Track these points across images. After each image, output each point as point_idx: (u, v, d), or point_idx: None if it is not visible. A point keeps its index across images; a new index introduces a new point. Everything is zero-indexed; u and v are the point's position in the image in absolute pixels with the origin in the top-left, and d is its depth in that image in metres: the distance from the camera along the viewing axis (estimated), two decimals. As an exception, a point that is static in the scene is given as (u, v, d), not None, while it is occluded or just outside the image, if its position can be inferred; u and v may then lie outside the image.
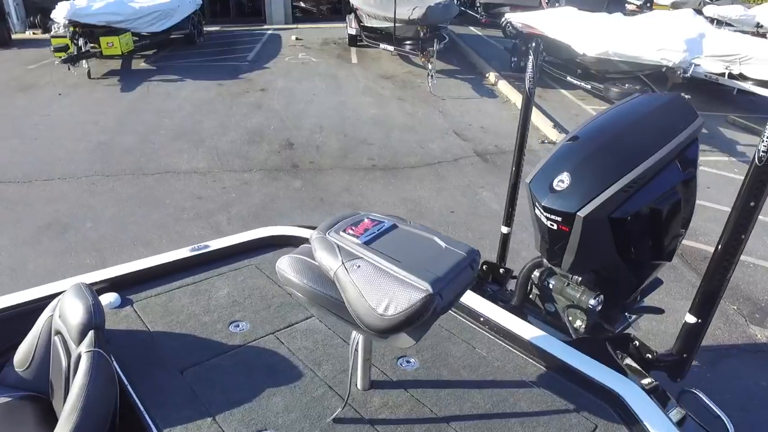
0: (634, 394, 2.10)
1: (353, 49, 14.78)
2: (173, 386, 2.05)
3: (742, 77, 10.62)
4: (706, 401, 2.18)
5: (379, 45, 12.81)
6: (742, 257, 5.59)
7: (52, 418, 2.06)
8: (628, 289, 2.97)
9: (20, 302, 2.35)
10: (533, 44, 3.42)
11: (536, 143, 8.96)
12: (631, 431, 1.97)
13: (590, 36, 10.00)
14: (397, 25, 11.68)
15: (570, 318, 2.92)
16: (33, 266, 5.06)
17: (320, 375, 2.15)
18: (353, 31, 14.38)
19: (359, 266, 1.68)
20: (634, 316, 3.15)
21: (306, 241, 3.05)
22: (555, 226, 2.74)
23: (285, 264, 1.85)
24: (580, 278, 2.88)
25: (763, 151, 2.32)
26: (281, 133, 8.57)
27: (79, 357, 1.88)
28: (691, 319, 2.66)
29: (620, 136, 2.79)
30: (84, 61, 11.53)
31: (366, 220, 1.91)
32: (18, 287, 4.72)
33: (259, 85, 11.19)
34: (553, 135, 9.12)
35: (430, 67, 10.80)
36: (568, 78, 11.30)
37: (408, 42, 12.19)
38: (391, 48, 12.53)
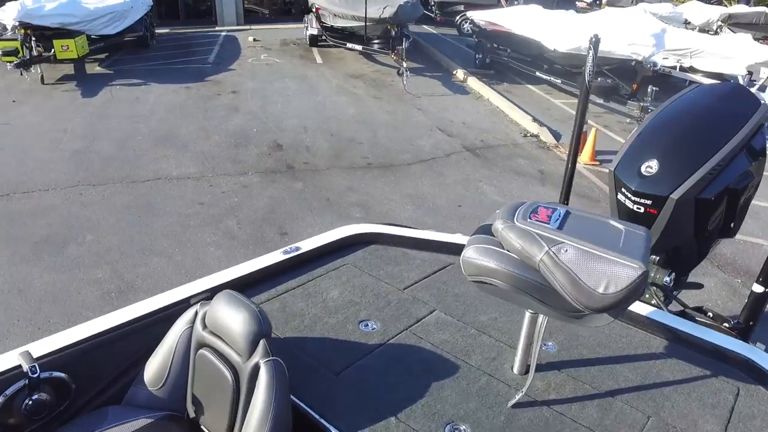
0: (761, 357, 2.23)
1: (315, 50, 14.64)
2: (336, 389, 1.99)
3: (692, 70, 11.24)
4: None
5: (346, 44, 12.74)
6: (748, 239, 5.89)
7: None
8: (690, 265, 3.14)
9: (129, 319, 2.20)
10: (593, 38, 3.50)
11: (519, 137, 9.16)
12: None
13: (561, 32, 10.32)
14: (367, 24, 11.65)
15: (647, 295, 3.04)
16: (40, 284, 4.75)
17: (474, 364, 2.14)
18: (315, 32, 14.22)
19: (566, 250, 1.69)
20: (675, 291, 3.30)
21: (389, 237, 3.03)
22: (642, 210, 2.84)
23: (475, 254, 1.83)
24: (657, 258, 3.01)
25: None
26: (266, 135, 8.39)
27: (255, 367, 1.79)
28: (758, 288, 2.87)
29: (697, 123, 2.91)
30: (37, 65, 10.89)
31: (541, 207, 1.91)
32: (29, 307, 4.43)
33: (229, 87, 10.91)
34: (533, 128, 9.35)
35: (404, 65, 10.83)
36: (537, 73, 11.61)
37: (377, 41, 12.19)
38: (359, 47, 12.49)
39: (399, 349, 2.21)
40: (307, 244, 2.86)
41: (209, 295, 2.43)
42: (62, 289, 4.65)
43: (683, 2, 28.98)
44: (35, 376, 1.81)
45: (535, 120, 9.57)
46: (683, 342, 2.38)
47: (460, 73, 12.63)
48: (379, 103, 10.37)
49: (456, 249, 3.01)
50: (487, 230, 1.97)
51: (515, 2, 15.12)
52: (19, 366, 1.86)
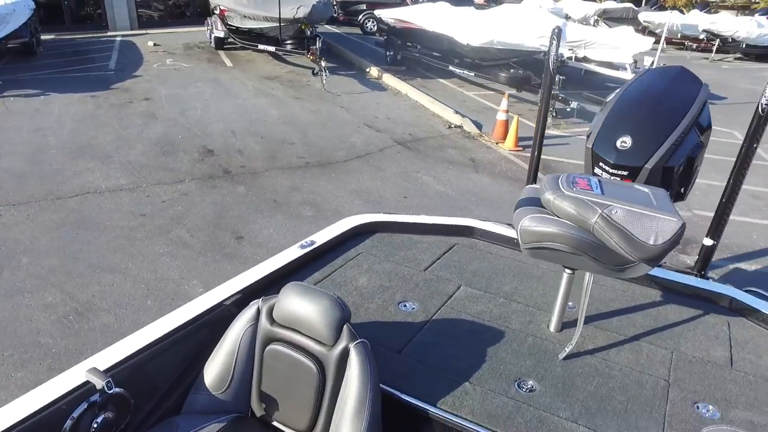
0: (739, 294, 2.62)
1: (222, 53, 14.25)
2: (403, 367, 2.06)
3: (585, 60, 12.20)
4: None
5: (257, 46, 12.53)
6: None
7: None
8: None
9: (172, 329, 2.13)
10: (555, 29, 3.77)
11: (444, 129, 9.51)
12: (757, 318, 2.49)
13: (473, 28, 10.79)
14: (280, 24, 11.53)
15: None
16: (-19, 313, 4.35)
17: (515, 327, 2.33)
18: (221, 34, 13.84)
19: (616, 212, 1.89)
20: None
21: (392, 225, 3.12)
22: (619, 180, 3.16)
23: (534, 223, 1.99)
24: None
25: (764, 104, 2.94)
26: (193, 141, 8.12)
27: (344, 352, 1.83)
28: (708, 242, 3.30)
29: (657, 103, 3.27)
30: None
31: (578, 178, 2.10)
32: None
33: (140, 95, 10.38)
34: (456, 120, 9.74)
35: (322, 65, 10.86)
36: (450, 68, 12.06)
37: (290, 42, 12.10)
38: (272, 48, 12.34)
39: (444, 324, 2.33)
40: (320, 237, 2.89)
41: (241, 296, 2.40)
42: (10, 318, 4.29)
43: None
44: (110, 392, 1.73)
45: (456, 112, 9.97)
46: (675, 290, 2.71)
47: (374, 71, 12.83)
48: (300, 103, 10.32)
49: (456, 230, 3.17)
50: (530, 202, 2.14)
51: (420, 0, 15.58)
52: (82, 386, 1.77)
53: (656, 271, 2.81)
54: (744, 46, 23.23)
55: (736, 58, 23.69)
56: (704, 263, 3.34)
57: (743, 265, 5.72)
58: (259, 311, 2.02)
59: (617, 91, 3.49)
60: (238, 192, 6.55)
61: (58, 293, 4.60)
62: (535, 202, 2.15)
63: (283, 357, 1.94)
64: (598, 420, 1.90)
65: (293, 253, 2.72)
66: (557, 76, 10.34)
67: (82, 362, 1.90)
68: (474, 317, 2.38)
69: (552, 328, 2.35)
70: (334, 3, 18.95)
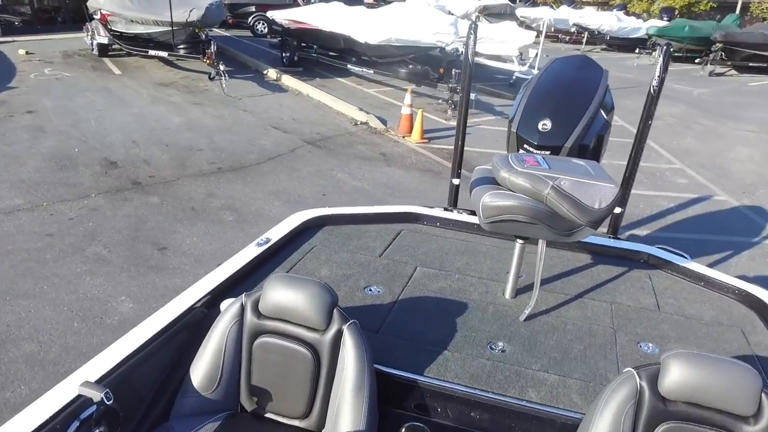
0: (655, 251, 3.01)
1: (107, 60, 13.47)
2: (384, 344, 2.18)
3: (476, 54, 12.85)
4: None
5: (147, 52, 11.98)
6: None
7: (289, 428, 2.01)
8: None
9: (150, 337, 2.09)
10: (472, 24, 3.99)
11: (351, 126, 9.67)
12: (671, 269, 2.90)
13: (370, 26, 11.02)
14: (173, 29, 11.10)
15: None
16: None
17: (475, 298, 2.53)
18: (104, 40, 13.04)
19: (564, 182, 2.13)
20: None
21: (338, 217, 3.22)
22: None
23: (494, 198, 2.18)
24: None
25: (655, 86, 3.39)
26: (92, 154, 7.67)
27: (338, 334, 1.91)
28: (617, 210, 3.72)
29: (569, 88, 3.62)
30: None
31: (526, 156, 2.32)
32: None
33: (21, 107, 9.60)
34: (361, 117, 9.93)
35: (221, 68, 10.61)
36: (349, 66, 12.22)
37: (183, 46, 11.69)
38: (164, 54, 11.86)
39: (410, 302, 2.47)
40: (274, 234, 2.93)
41: (210, 297, 2.40)
42: None
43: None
44: (109, 403, 1.70)
45: (361, 109, 10.15)
46: (602, 252, 3.05)
47: (272, 73, 12.72)
48: (202, 108, 10.04)
49: (400, 218, 3.33)
50: (485, 181, 2.33)
51: (312, 0, 15.58)
52: (72, 402, 1.72)
53: (588, 241, 3.13)
54: (608, 38, 25.47)
55: (602, 49, 25.89)
56: (615, 228, 3.75)
57: (636, 231, 6.39)
58: (243, 307, 2.04)
59: (531, 79, 3.81)
60: (151, 203, 6.30)
61: (-33, 325, 4.23)
62: (490, 181, 2.35)
63: (274, 348, 1.99)
64: (565, 367, 2.13)
65: (252, 251, 2.74)
66: (453, 69, 10.86)
67: (66, 378, 1.84)
68: (436, 293, 2.55)
69: (507, 295, 2.57)
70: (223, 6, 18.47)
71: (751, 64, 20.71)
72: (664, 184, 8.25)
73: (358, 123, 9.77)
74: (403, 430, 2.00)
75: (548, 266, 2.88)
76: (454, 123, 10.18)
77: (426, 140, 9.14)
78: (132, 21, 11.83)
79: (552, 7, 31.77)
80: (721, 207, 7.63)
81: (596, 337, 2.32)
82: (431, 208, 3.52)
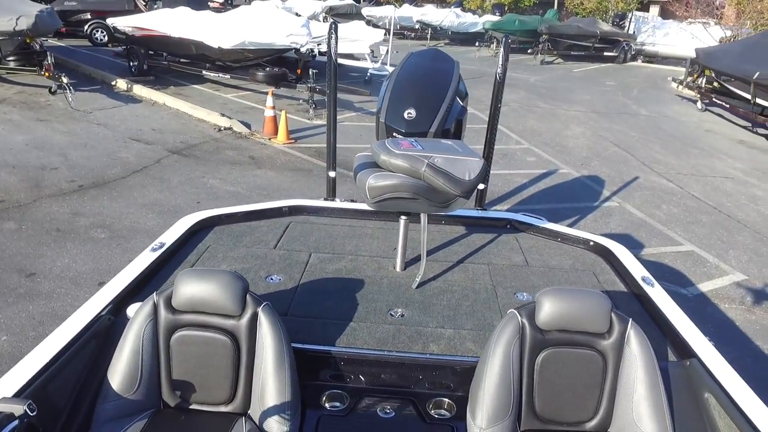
0: (515, 216, 3.52)
1: None
2: (295, 324, 2.37)
3: (321, 54, 13.20)
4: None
5: (-32, 66, 10.81)
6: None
7: (215, 415, 2.12)
8: None
9: (60, 349, 2.10)
10: (331, 24, 4.25)
11: (215, 132, 9.54)
12: (532, 231, 3.36)
13: (222, 30, 10.87)
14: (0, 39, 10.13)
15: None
16: None
17: (369, 274, 2.82)
18: None
19: (437, 160, 2.47)
20: None
21: (227, 217, 3.34)
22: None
23: (378, 180, 2.46)
24: None
25: (500, 72, 3.93)
26: None
27: (253, 317, 2.07)
28: (480, 186, 4.22)
29: (427, 79, 4.03)
30: None
31: (401, 141, 2.62)
32: None
33: None
34: (224, 122, 9.83)
35: (65, 80, 9.89)
36: (204, 73, 11.96)
37: (13, 58, 10.71)
38: (-9, 68, 10.77)
39: (311, 285, 2.69)
40: (167, 239, 2.98)
41: (113, 305, 2.43)
42: None
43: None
44: (33, 414, 1.70)
45: (223, 115, 10.03)
46: (473, 223, 3.48)
47: (121, 83, 12.07)
48: (48, 125, 9.32)
49: (286, 211, 3.52)
50: (367, 166, 2.61)
51: (155, 6, 14.90)
52: None
53: (456, 212, 3.54)
54: (450, 33, 27.17)
55: (446, 43, 27.54)
56: (481, 201, 4.24)
57: (498, 207, 7.09)
58: (155, 305, 2.13)
59: (392, 72, 4.16)
60: (7, 228, 5.83)
61: None
62: (371, 165, 2.63)
63: (192, 340, 2.10)
64: (457, 322, 2.48)
65: (148, 257, 2.78)
66: (310, 69, 11.09)
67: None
68: (333, 274, 2.79)
69: (398, 268, 2.88)
70: (52, 13, 17.01)
71: (572, 53, 23.29)
72: (516, 163, 9.16)
73: (222, 129, 9.66)
74: (324, 398, 2.23)
75: (431, 240, 3.24)
76: (317, 122, 10.49)
77: (293, 140, 9.29)
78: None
79: (395, 5, 33.12)
80: (566, 178, 8.66)
81: (479, 294, 2.71)
82: (314, 199, 3.75)
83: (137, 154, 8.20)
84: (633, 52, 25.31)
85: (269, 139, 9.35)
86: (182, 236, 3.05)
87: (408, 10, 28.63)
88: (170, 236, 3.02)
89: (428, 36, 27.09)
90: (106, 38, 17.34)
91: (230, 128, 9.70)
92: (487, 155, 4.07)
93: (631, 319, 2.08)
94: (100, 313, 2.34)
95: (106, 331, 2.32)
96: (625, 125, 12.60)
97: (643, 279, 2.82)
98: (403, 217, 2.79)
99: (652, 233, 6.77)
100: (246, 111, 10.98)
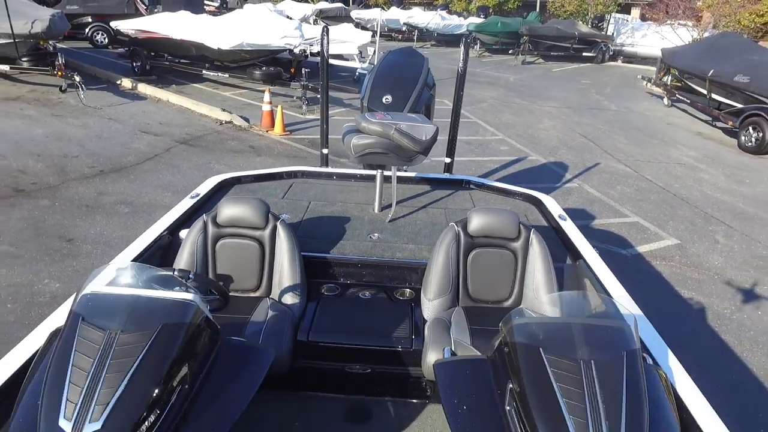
0: (474, 179, 4.45)
1: (-66, 78, 12.71)
2: (301, 241, 3.31)
3: (318, 53, 14.12)
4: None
5: (-15, 66, 11.64)
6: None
7: (247, 298, 3.05)
8: None
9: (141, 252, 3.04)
10: (323, 29, 5.19)
11: (217, 126, 10.45)
12: (480, 188, 4.31)
13: (221, 33, 11.78)
14: (15, 41, 10.96)
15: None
16: None
17: (356, 214, 3.77)
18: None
19: (402, 126, 3.42)
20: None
21: (244, 178, 4.26)
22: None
23: (360, 139, 3.40)
24: None
25: (461, 67, 4.90)
26: (-41, 169, 7.73)
27: (273, 229, 3.01)
28: (447, 159, 5.19)
29: (401, 71, 5.00)
30: None
31: (376, 113, 3.57)
32: None
33: None
34: (225, 117, 10.74)
35: (77, 79, 10.76)
36: (204, 72, 12.86)
37: (27, 59, 11.55)
38: (6, 67, 11.60)
39: (312, 220, 3.64)
40: (201, 190, 3.91)
41: (169, 230, 3.36)
42: None
43: (280, 1, 33.29)
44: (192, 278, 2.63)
45: (224, 110, 10.94)
46: (440, 184, 4.43)
47: (126, 82, 12.94)
48: (63, 120, 10.18)
49: (290, 174, 4.47)
50: (351, 130, 3.56)
51: (156, 9, 15.76)
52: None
53: (423, 174, 4.51)
54: (436, 35, 28.18)
55: (432, 45, 28.52)
56: (449, 170, 5.19)
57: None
58: (205, 223, 3.06)
59: (374, 66, 5.12)
60: (43, 205, 6.72)
61: None
62: (355, 130, 3.58)
63: (230, 245, 3.03)
64: (417, 240, 3.44)
65: (188, 202, 3.71)
66: (302, 69, 12.02)
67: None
68: (328, 214, 3.74)
69: (376, 210, 3.83)
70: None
71: (552, 53, 24.38)
72: (490, 152, 10.14)
73: (223, 122, 10.57)
74: (323, 289, 3.18)
75: (403, 194, 4.19)
76: (309, 116, 11.44)
77: (288, 132, 10.22)
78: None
79: (383, 8, 34.08)
80: (534, 164, 9.65)
81: (436, 225, 3.66)
82: (311, 167, 4.70)
83: (148, 144, 9.10)
84: (611, 53, 26.45)
85: (266, 131, 10.28)
86: (211, 190, 3.98)
87: (395, 13, 29.61)
88: (202, 189, 3.95)
89: (415, 38, 28.08)
90: (107, 40, 18.17)
91: (231, 122, 10.61)
92: (452, 137, 5.03)
93: (533, 228, 3.04)
94: (161, 233, 3.27)
95: (165, 246, 3.25)
96: (594, 119, 13.64)
97: (559, 216, 3.79)
98: (378, 170, 3.74)
99: (604, 208, 7.78)
100: (244, 107, 11.89)
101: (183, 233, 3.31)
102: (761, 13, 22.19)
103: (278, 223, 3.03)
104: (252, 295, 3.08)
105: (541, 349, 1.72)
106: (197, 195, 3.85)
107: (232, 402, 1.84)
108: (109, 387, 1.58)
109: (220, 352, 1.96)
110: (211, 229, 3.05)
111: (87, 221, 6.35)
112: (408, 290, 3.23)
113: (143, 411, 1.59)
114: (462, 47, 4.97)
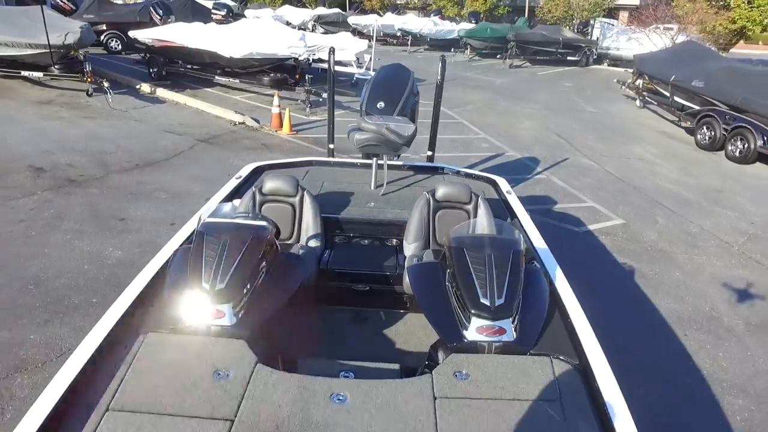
0: (446, 166, 5.82)
1: (-30, 83, 14.00)
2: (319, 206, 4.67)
3: (320, 60, 15.49)
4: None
5: (20, 73, 12.94)
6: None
7: (284, 245, 4.39)
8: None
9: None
10: (331, 49, 6.54)
11: (231, 126, 11.79)
12: (452, 171, 5.68)
13: (233, 42, 13.12)
14: (43, 51, 12.28)
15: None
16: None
17: (357, 189, 5.10)
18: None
19: (391, 125, 4.77)
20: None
21: (275, 165, 5.60)
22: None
23: (360, 135, 4.76)
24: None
25: (439, 79, 6.27)
26: (15, 162, 8.99)
27: (302, 197, 4.35)
28: (429, 153, 6.55)
29: (392, 82, 6.33)
30: None
31: (373, 115, 4.92)
32: None
33: None
34: (238, 118, 12.08)
35: (106, 85, 12.09)
36: (216, 78, 14.20)
37: (58, 66, 12.86)
38: (39, 74, 12.91)
39: (325, 194, 4.98)
40: (242, 173, 5.25)
41: (228, 198, 4.70)
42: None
43: (279, 6, 34.50)
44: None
45: (237, 112, 12.29)
46: (423, 171, 5.79)
47: (145, 87, 14.26)
48: (94, 121, 11.50)
49: (305, 163, 5.81)
50: (354, 128, 4.91)
51: (169, 20, 17.09)
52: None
53: (410, 162, 5.86)
54: (429, 39, 29.56)
55: (425, 49, 29.88)
56: (430, 160, 6.54)
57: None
58: (254, 193, 4.40)
59: (370, 78, 6.47)
60: (93, 193, 8.04)
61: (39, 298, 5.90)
62: (357, 128, 4.93)
63: (272, 208, 4.36)
64: (402, 206, 4.79)
65: (234, 181, 5.05)
66: (306, 75, 13.37)
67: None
68: (338, 189, 5.09)
69: (372, 187, 5.17)
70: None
71: (538, 57, 25.80)
72: (473, 148, 11.50)
73: (237, 123, 11.91)
74: (336, 239, 4.53)
75: (391, 176, 5.53)
76: (313, 118, 12.81)
77: (295, 132, 11.56)
78: (5, 45, 12.69)
79: (379, 14, 35.45)
80: (510, 159, 11.02)
81: (415, 197, 5.01)
82: (324, 157, 6.05)
83: (173, 142, 10.43)
84: (595, 57, 27.88)
85: (276, 131, 11.62)
86: (249, 173, 5.32)
87: (390, 19, 30.99)
88: (243, 172, 5.29)
89: (409, 42, 29.45)
90: (120, 47, 19.51)
91: (243, 123, 11.95)
92: (433, 133, 6.39)
93: (480, 195, 4.39)
94: (222, 200, 4.60)
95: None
96: (570, 120, 15.03)
97: (507, 191, 5.15)
98: (374, 158, 5.09)
99: (566, 195, 9.15)
100: (253, 109, 13.22)
101: (236, 202, 4.65)
102: (734, 19, 23.62)
103: (305, 193, 4.37)
104: (287, 242, 4.42)
105: (464, 249, 3.06)
106: (240, 176, 5.19)
107: (286, 286, 3.18)
108: (226, 267, 2.90)
109: (280, 258, 3.30)
110: (258, 197, 4.38)
111: (133, 205, 7.68)
112: (394, 239, 4.57)
113: (245, 281, 2.92)
114: (440, 65, 6.30)
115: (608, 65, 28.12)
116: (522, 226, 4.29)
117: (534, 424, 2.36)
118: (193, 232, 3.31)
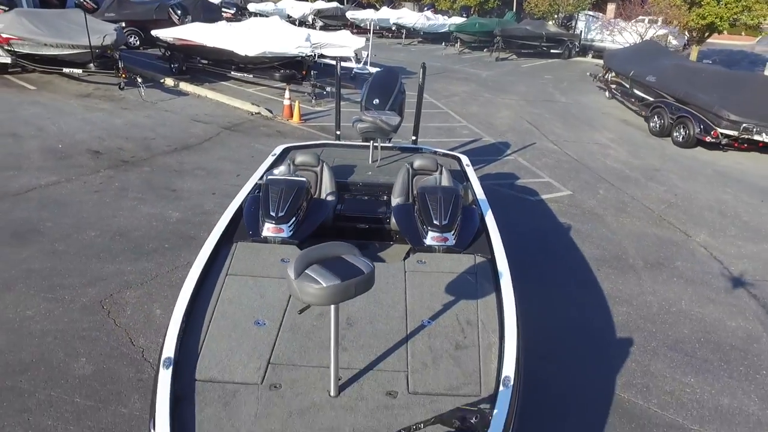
0: (424, 147, 7.86)
1: (11, 78, 15.80)
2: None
3: (322, 56, 17.39)
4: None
5: (62, 69, 14.84)
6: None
7: None
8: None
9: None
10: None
11: (249, 116, 13.74)
12: (429, 152, 7.74)
13: (247, 42, 15.03)
14: (83, 51, 14.18)
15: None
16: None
17: (359, 164, 7.10)
18: (7, 60, 15.38)
19: (383, 117, 6.79)
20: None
21: (303, 146, 7.62)
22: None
23: (362, 125, 6.77)
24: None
25: (420, 83, 8.31)
26: (76, 147, 10.96)
27: (321, 169, 6.36)
28: (413, 138, 8.59)
29: (385, 82, 8.37)
30: None
31: (370, 110, 6.93)
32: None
33: (-17, 122, 12.28)
34: (254, 109, 14.03)
35: (139, 80, 14.01)
36: (232, 73, 16.12)
37: (95, 63, 14.76)
38: (79, 71, 14.81)
39: (336, 166, 6.98)
40: (276, 151, 7.25)
41: (262, 178, 6.72)
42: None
43: (280, 0, 36.19)
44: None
45: (253, 103, 14.23)
46: (407, 150, 7.81)
47: (169, 81, 16.17)
48: (131, 112, 13.44)
49: (321, 146, 7.81)
50: (357, 119, 6.92)
51: (186, 20, 18.96)
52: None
53: (399, 145, 7.88)
54: (422, 33, 31.42)
55: (419, 42, 31.75)
56: (414, 143, 8.56)
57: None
58: (288, 165, 6.39)
59: (369, 79, 8.46)
60: (145, 170, 10.02)
61: (97, 230, 7.89)
62: (359, 119, 6.92)
63: (302, 174, 6.35)
64: (391, 175, 6.80)
65: (271, 158, 7.04)
66: (312, 71, 15.32)
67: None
68: (345, 163, 7.09)
69: (370, 161, 7.18)
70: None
71: (523, 51, 27.71)
72: (455, 135, 13.49)
73: (253, 113, 13.86)
74: (345, 195, 6.57)
75: (384, 155, 7.53)
76: (319, 108, 14.80)
77: (303, 121, 13.53)
78: (45, 45, 14.56)
79: (375, 7, 37.23)
80: (485, 143, 13.02)
81: (400, 169, 7.01)
82: (337, 141, 8.07)
83: (202, 129, 12.39)
84: (577, 50, 29.79)
85: (287, 120, 13.58)
86: (281, 152, 7.31)
87: (386, 13, 32.80)
88: (276, 151, 7.28)
89: (403, 35, 31.29)
90: (138, 42, 21.36)
91: (259, 113, 13.90)
92: (417, 121, 8.40)
93: (444, 166, 6.40)
94: (258, 182, 6.59)
95: (262, 188, 6.57)
96: (543, 109, 17.02)
97: (467, 165, 7.15)
98: (371, 141, 7.10)
99: (528, 172, 11.17)
100: (266, 101, 15.16)
101: (276, 171, 6.63)
102: (704, 15, 25.53)
103: (324, 164, 6.36)
104: (314, 197, 6.43)
105: (425, 192, 5.09)
106: (275, 153, 7.18)
107: (317, 217, 5.22)
108: (283, 203, 4.92)
109: (313, 201, 5.32)
110: (291, 167, 6.37)
111: (179, 179, 9.67)
112: (385, 196, 6.58)
113: (296, 211, 4.94)
114: (421, 71, 8.27)
115: (593, 57, 30.00)
116: (472, 187, 6.32)
117: (460, 285, 4.40)
118: (257, 185, 5.32)
